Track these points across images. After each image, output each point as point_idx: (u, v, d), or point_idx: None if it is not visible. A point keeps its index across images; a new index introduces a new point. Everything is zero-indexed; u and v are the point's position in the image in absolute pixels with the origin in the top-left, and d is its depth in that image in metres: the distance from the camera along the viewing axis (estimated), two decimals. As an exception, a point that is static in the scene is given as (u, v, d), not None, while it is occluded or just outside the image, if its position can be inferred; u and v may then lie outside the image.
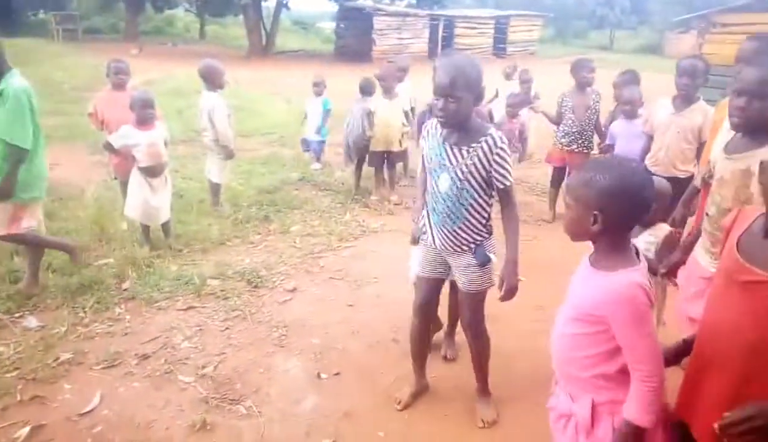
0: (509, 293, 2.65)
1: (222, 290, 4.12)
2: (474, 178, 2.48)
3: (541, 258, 4.92)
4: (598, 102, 5.61)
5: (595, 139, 5.80)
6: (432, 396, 3.11)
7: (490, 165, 2.45)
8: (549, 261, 4.84)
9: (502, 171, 2.47)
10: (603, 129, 5.63)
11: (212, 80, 5.27)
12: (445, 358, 3.46)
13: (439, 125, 2.55)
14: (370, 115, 6.09)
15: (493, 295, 4.22)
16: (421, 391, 3.09)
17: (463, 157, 2.47)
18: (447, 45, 26.49)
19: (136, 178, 4.49)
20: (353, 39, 25.29)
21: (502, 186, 2.51)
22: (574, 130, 5.58)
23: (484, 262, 2.66)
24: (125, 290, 4.04)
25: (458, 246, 2.64)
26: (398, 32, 25.07)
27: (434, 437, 2.82)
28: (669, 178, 3.59)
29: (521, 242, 5.10)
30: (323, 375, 3.26)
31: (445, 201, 2.56)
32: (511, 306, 3.89)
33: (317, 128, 7.38)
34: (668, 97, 4.24)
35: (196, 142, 8.44)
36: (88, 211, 5.27)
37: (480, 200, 2.55)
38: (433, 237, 2.70)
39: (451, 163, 2.49)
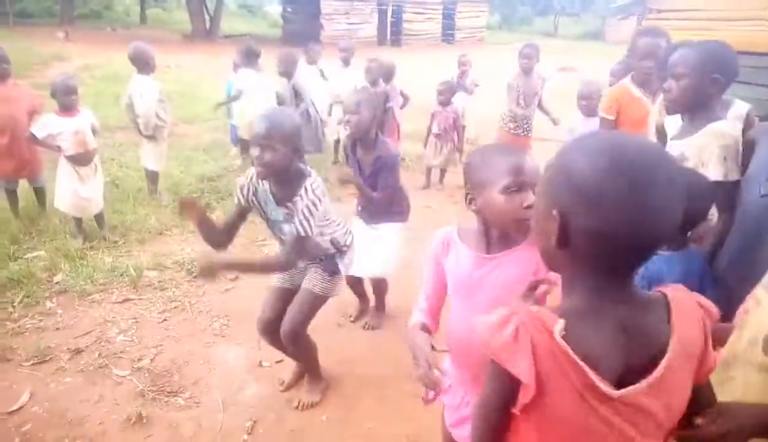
0: None
1: (160, 281, 4.02)
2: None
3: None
4: (542, 87, 5.70)
5: (543, 121, 5.90)
6: (373, 379, 3.12)
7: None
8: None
9: (303, 220, 2.38)
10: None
11: (144, 63, 5.10)
12: (365, 326, 3.65)
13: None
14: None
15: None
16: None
17: (291, 209, 2.44)
18: (396, 30, 26.43)
19: (63, 168, 4.30)
20: (301, 23, 24.87)
21: (296, 232, 2.40)
22: (519, 113, 5.67)
23: (333, 271, 2.73)
24: (57, 283, 3.89)
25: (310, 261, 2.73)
26: (347, 17, 24.83)
27: (375, 419, 2.83)
28: None
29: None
30: (265, 363, 3.23)
31: (287, 236, 2.52)
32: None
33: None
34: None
35: (134, 129, 8.17)
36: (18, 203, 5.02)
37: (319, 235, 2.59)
38: None
39: (285, 218, 2.50)
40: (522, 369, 0.97)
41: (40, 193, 4.88)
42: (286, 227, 2.50)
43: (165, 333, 3.46)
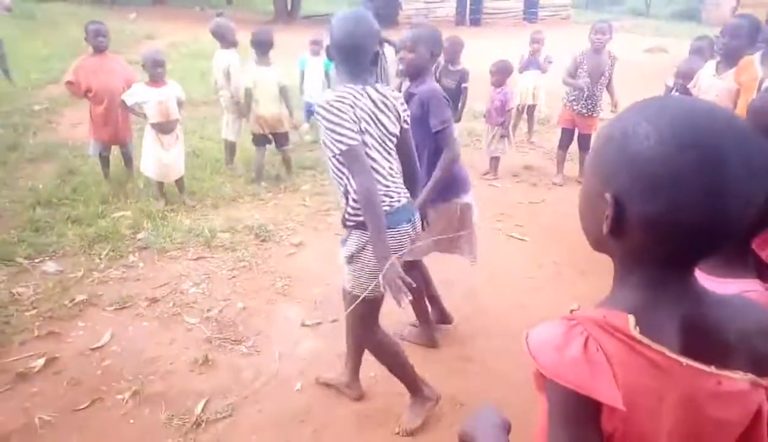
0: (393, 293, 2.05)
1: (231, 243, 4.30)
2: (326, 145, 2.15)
3: (546, 220, 4.98)
4: (612, 66, 5.54)
5: (606, 101, 5.73)
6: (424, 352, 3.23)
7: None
8: (553, 223, 4.90)
9: (328, 137, 2.08)
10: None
11: (225, 38, 5.40)
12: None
13: None
14: None
15: (492, 258, 4.27)
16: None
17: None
18: (475, 9, 25.98)
19: (148, 135, 4.70)
20: (380, 2, 24.91)
21: (330, 153, 2.13)
22: (584, 93, 5.53)
23: (348, 255, 2.26)
24: (139, 240, 4.24)
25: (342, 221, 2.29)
26: (426, -4, 24.65)
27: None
28: None
29: (530, 204, 5.12)
30: (321, 322, 3.42)
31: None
32: (511, 264, 3.99)
33: (318, 91, 6.81)
34: (714, 60, 4.12)
35: (217, 103, 8.59)
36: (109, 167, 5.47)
37: (336, 170, 2.20)
38: None
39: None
40: (604, 390, 0.74)
41: (127, 159, 5.31)
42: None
43: (233, 289, 3.72)
